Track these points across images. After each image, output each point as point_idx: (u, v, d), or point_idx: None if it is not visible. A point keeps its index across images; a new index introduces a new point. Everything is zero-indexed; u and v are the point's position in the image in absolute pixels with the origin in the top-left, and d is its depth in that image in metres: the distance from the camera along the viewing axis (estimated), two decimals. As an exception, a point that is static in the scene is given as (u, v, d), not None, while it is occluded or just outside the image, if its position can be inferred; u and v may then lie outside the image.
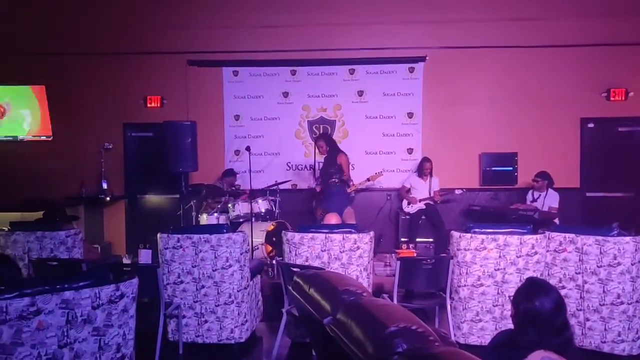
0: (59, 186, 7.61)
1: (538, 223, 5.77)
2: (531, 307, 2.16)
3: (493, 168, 7.64)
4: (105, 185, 7.71)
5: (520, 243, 4.11)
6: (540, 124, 7.58)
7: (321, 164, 6.81)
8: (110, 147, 7.81)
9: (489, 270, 4.14)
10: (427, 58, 7.67)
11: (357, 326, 1.80)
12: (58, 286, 2.26)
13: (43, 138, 7.84)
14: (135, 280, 2.52)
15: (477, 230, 4.22)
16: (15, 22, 7.78)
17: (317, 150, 6.68)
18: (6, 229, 4.72)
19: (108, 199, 7.67)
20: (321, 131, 7.88)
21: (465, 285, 4.20)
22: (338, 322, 1.94)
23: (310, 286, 2.41)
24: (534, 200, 6.82)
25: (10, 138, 7.85)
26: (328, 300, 2.14)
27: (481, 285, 4.17)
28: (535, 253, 4.12)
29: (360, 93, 7.83)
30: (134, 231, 7.78)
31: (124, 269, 4.10)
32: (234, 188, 7.22)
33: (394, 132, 7.81)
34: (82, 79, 7.84)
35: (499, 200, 7.62)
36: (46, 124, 7.79)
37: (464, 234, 4.22)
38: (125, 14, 7.80)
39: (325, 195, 6.51)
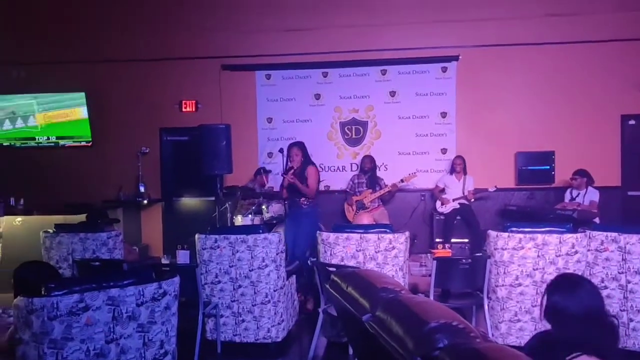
0: (98, 190, 7.83)
1: (577, 222, 5.64)
2: (566, 305, 2.10)
3: (529, 167, 7.49)
4: (142, 189, 7.89)
5: (560, 242, 4.03)
6: (578, 121, 7.41)
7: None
8: (147, 151, 8.00)
9: (527, 269, 4.07)
10: (460, 57, 7.60)
11: (397, 322, 1.80)
12: (104, 284, 2.35)
13: (83, 143, 8.08)
14: (176, 279, 2.59)
15: (514, 229, 4.16)
16: (55, 31, 8.05)
17: (288, 160, 5.92)
18: (51, 231, 4.90)
19: (145, 202, 7.85)
20: (353, 133, 7.90)
21: (503, 285, 4.15)
22: (377, 319, 1.95)
23: (348, 284, 2.42)
24: (573, 199, 6.67)
25: (53, 144, 8.10)
26: (366, 298, 2.15)
27: (519, 285, 4.10)
28: (576, 252, 4.03)
29: (393, 93, 7.81)
30: (171, 233, 7.94)
31: (163, 269, 4.19)
32: (266, 188, 7.30)
33: (427, 132, 7.75)
34: (120, 85, 8.05)
35: (536, 200, 7.48)
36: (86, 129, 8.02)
37: (501, 233, 4.17)
38: (159, 21, 7.97)
39: (293, 216, 5.91)
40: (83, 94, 7.88)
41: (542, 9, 7.40)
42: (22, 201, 7.17)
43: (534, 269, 4.07)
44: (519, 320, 4.13)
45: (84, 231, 4.81)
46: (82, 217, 5.75)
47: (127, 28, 8.00)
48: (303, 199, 5.76)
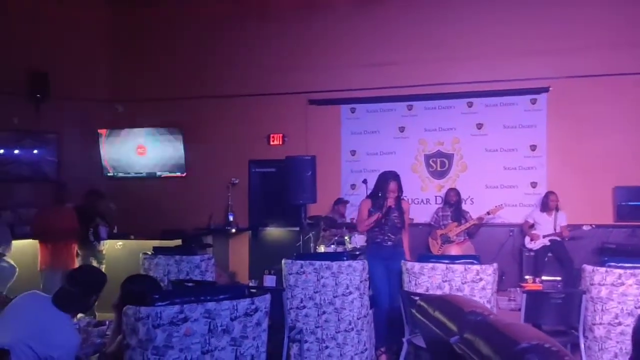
0: (190, 218, 8.26)
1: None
2: None
3: (630, 203, 7.06)
4: (231, 218, 8.25)
5: (665, 280, 3.76)
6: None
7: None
8: (237, 182, 8.37)
9: (629, 308, 3.82)
10: (550, 89, 7.39)
11: (486, 343, 1.78)
12: (202, 297, 2.51)
13: (178, 174, 8.60)
14: (268, 296, 2.70)
15: (613, 264, 3.93)
16: (157, 71, 8.76)
17: (389, 196, 5.00)
18: (150, 253, 5.24)
19: (234, 230, 8.18)
20: (438, 165, 7.84)
21: (600, 324, 3.91)
22: (466, 341, 1.94)
23: (434, 309, 2.41)
24: (680, 237, 6.19)
25: (150, 174, 8.69)
26: (454, 321, 2.13)
27: (619, 324, 3.85)
28: (683, 291, 3.74)
29: (479, 126, 7.70)
30: (257, 261, 8.18)
31: (251, 290, 4.33)
32: (345, 218, 7.38)
33: (515, 165, 7.55)
34: (212, 120, 8.54)
35: (638, 238, 6.98)
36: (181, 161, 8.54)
37: (598, 268, 3.95)
38: (251, 61, 8.44)
39: (384, 256, 4.98)
40: (180, 128, 8.44)
41: (635, 37, 7.06)
42: (115, 229, 7.64)
43: (635, 308, 3.80)
44: (619, 363, 3.86)
45: (179, 254, 5.10)
46: (175, 242, 6.10)
47: (221, 67, 8.54)
48: (397, 237, 5.04)
